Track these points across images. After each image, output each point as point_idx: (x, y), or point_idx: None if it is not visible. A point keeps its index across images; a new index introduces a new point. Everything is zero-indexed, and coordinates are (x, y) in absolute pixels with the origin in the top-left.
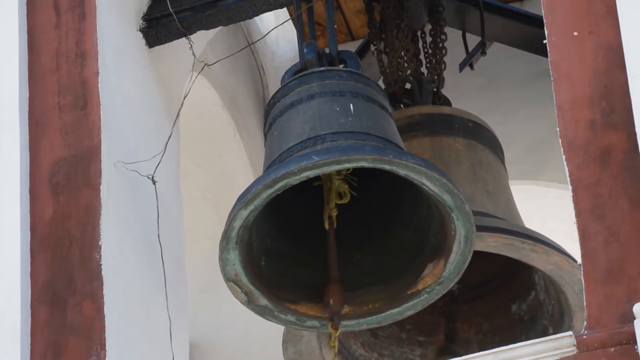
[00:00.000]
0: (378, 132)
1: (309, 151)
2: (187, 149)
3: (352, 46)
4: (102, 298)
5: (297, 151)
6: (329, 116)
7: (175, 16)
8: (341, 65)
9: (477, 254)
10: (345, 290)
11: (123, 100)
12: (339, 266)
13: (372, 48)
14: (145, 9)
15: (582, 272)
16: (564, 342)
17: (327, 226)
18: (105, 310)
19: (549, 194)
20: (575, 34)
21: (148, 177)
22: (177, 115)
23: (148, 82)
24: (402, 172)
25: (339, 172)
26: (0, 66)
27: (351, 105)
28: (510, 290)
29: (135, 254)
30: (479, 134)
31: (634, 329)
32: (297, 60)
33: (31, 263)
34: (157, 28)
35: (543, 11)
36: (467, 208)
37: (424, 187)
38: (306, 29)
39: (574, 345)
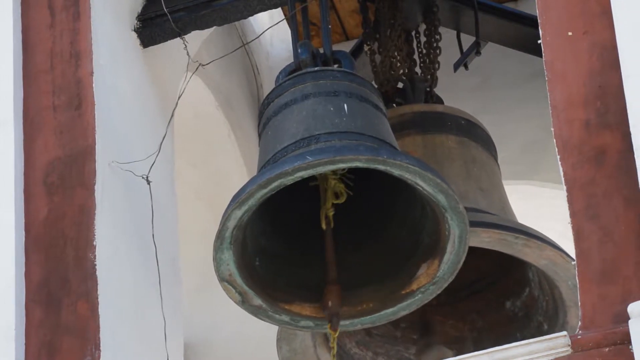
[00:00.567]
0: (372, 132)
1: (303, 151)
2: (181, 149)
3: (347, 46)
4: (97, 298)
5: (292, 151)
6: (323, 116)
7: (169, 16)
8: (335, 66)
9: (471, 251)
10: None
11: (117, 100)
12: (336, 267)
13: (366, 48)
14: (139, 9)
15: (576, 272)
16: (558, 342)
17: (324, 226)
18: (99, 310)
19: (544, 194)
20: (570, 34)
21: (142, 177)
22: (172, 115)
23: (142, 82)
24: (396, 172)
25: (335, 172)
26: None
27: (345, 106)
28: (504, 287)
29: (130, 254)
30: (472, 132)
31: (628, 329)
32: (292, 60)
33: (25, 263)
34: (152, 28)
35: (537, 11)
36: (461, 208)
37: (418, 187)
38: (300, 29)
39: (569, 345)
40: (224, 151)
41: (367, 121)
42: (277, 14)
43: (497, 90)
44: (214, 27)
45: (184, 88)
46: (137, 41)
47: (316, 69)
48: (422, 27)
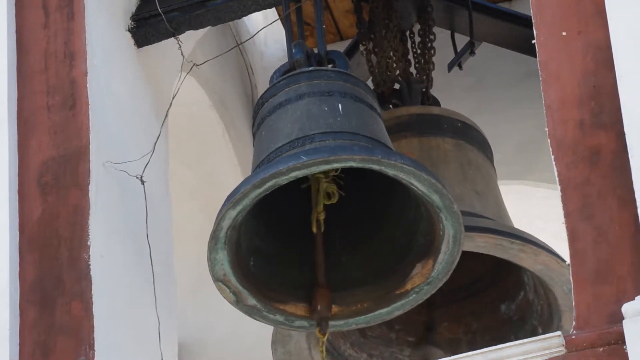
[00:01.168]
0: (366, 132)
1: (297, 151)
2: (175, 149)
3: (341, 46)
4: (91, 298)
5: (286, 151)
6: (318, 116)
7: (164, 16)
8: (330, 65)
9: (467, 254)
10: (334, 291)
11: (112, 100)
12: (325, 271)
13: (361, 48)
14: (133, 9)
15: (570, 272)
16: (552, 342)
17: (315, 229)
18: (94, 310)
19: (538, 194)
20: (564, 33)
21: (137, 177)
22: (166, 115)
23: (137, 82)
24: (390, 172)
25: (326, 174)
26: None
27: (340, 105)
28: (499, 290)
29: (124, 254)
30: (468, 134)
31: (622, 329)
32: (286, 60)
33: (20, 263)
34: (146, 28)
35: (532, 11)
36: (456, 208)
37: (413, 187)
38: (295, 29)
39: (563, 345)
40: (218, 151)
41: (362, 121)
42: (271, 14)
43: (492, 90)
44: (208, 27)
45: (178, 88)
46: (132, 41)
47: (310, 69)
48: (416, 28)
